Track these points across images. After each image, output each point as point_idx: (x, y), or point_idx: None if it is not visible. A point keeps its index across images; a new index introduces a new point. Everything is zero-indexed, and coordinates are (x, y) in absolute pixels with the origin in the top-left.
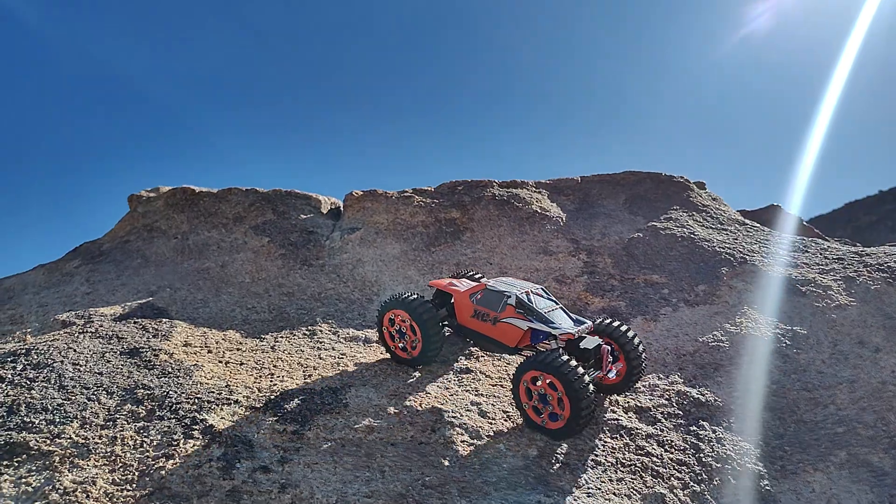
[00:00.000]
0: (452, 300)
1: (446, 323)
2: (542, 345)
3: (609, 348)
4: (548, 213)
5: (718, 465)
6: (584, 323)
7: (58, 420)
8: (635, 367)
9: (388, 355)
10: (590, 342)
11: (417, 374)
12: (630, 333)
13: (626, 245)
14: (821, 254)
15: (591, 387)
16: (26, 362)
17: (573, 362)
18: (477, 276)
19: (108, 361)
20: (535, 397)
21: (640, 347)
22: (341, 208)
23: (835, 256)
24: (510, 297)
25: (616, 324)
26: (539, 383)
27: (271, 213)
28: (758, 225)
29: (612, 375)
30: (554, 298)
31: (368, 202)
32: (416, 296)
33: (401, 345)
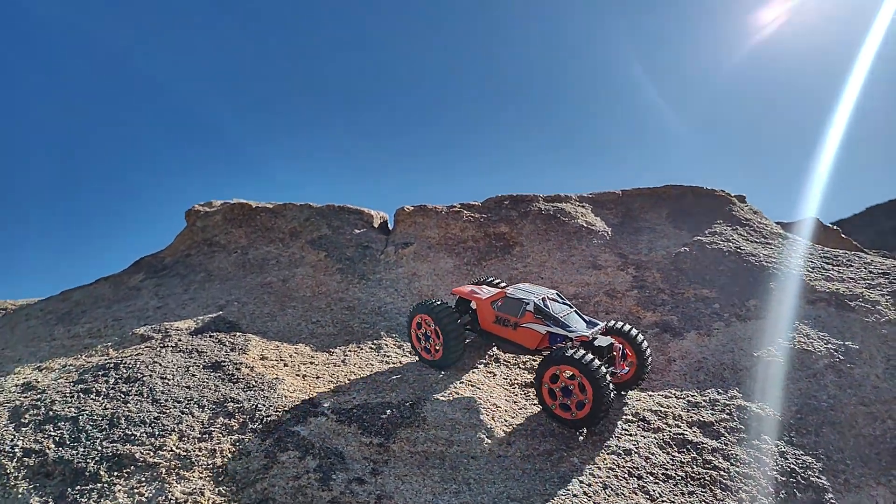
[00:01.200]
0: (474, 306)
1: (469, 328)
2: (558, 346)
3: (620, 348)
4: (594, 228)
5: (783, 479)
6: (597, 325)
7: (157, 433)
8: (642, 367)
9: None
10: (603, 341)
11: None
12: (637, 334)
13: (673, 259)
14: (865, 268)
15: (609, 377)
16: (117, 376)
17: (590, 356)
18: (497, 283)
19: (194, 375)
20: (559, 394)
21: (647, 349)
22: (388, 223)
23: (879, 271)
24: (528, 303)
25: (625, 326)
26: (559, 380)
27: (326, 227)
28: (799, 238)
29: (621, 374)
30: (569, 303)
31: (419, 217)
32: (441, 302)
33: (426, 347)
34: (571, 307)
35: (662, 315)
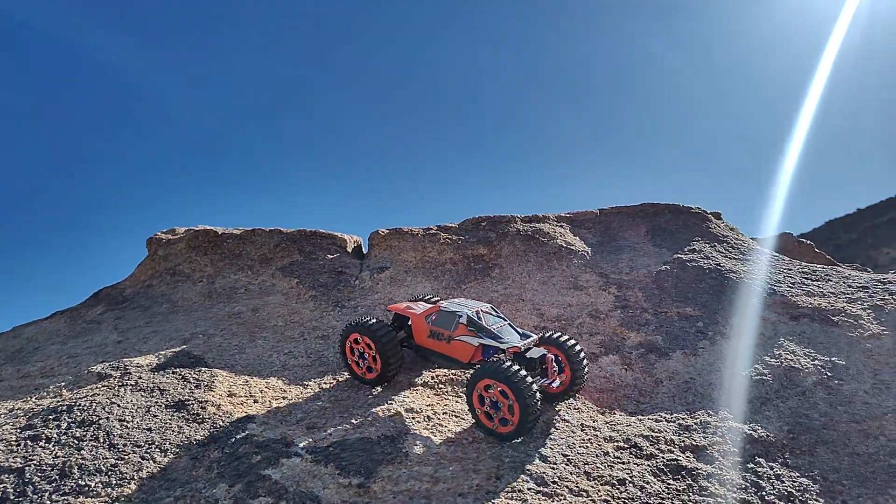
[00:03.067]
0: (410, 322)
1: (406, 344)
2: (492, 358)
3: (554, 358)
4: (573, 248)
5: (781, 503)
6: (530, 336)
7: (114, 482)
8: (578, 377)
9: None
10: (535, 352)
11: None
12: (572, 343)
13: (655, 278)
14: (843, 282)
15: (538, 393)
16: (70, 420)
17: (521, 371)
18: (433, 299)
19: (155, 416)
20: (488, 403)
21: (582, 356)
22: (362, 247)
23: (858, 285)
24: (461, 316)
25: (560, 336)
26: (491, 391)
27: (297, 253)
28: (777, 254)
29: (555, 384)
30: (503, 315)
31: (395, 240)
32: (374, 320)
33: (362, 366)
34: (505, 320)
35: (647, 335)
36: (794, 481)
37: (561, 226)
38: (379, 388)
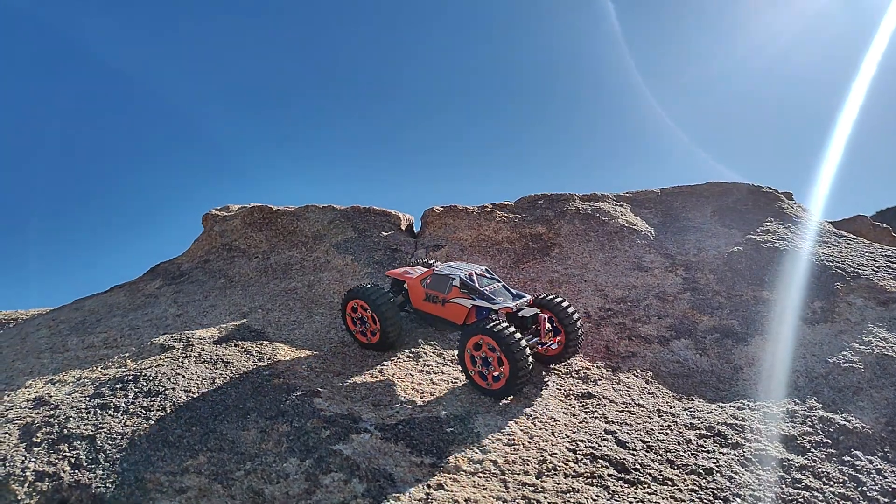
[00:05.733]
0: (407, 286)
1: (407, 309)
2: (484, 318)
3: (547, 318)
4: (635, 227)
5: (886, 500)
6: (524, 297)
7: (182, 453)
8: (572, 339)
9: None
10: (527, 312)
11: (386, 362)
12: (567, 306)
13: (726, 259)
14: None
15: (528, 349)
16: (136, 390)
17: (511, 329)
18: (431, 263)
19: (219, 388)
20: (479, 361)
21: (577, 318)
22: (413, 225)
23: None
24: (455, 278)
25: (554, 298)
26: (482, 348)
27: (352, 230)
28: (854, 237)
29: (552, 347)
30: (497, 277)
31: (449, 218)
32: (373, 285)
33: (363, 331)
34: (499, 281)
35: (721, 319)
36: None
37: (621, 205)
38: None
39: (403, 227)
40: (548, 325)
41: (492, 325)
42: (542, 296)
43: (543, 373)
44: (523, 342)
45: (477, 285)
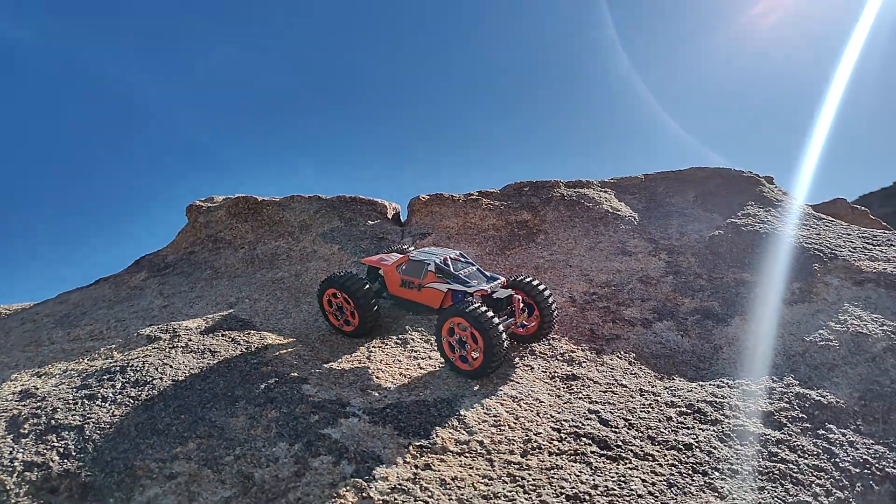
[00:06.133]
0: (382, 273)
1: (384, 295)
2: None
3: (521, 299)
4: (620, 213)
5: (857, 471)
6: (498, 279)
7: (172, 441)
8: (546, 319)
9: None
10: (501, 293)
11: (365, 346)
12: (541, 287)
13: (708, 243)
14: None
15: (503, 331)
16: (124, 380)
17: (486, 310)
18: (406, 249)
19: (207, 377)
20: (455, 342)
21: (551, 300)
22: (399, 214)
23: None
24: (429, 263)
25: (527, 279)
26: (458, 330)
27: (338, 219)
28: (833, 219)
29: (526, 326)
30: (472, 261)
31: (436, 206)
32: (347, 272)
33: (341, 319)
34: (473, 265)
35: (702, 301)
36: (869, 448)
37: (605, 191)
38: (364, 347)
39: (390, 216)
40: (521, 306)
41: (467, 307)
42: (515, 277)
43: (529, 356)
44: (498, 323)
45: (452, 270)
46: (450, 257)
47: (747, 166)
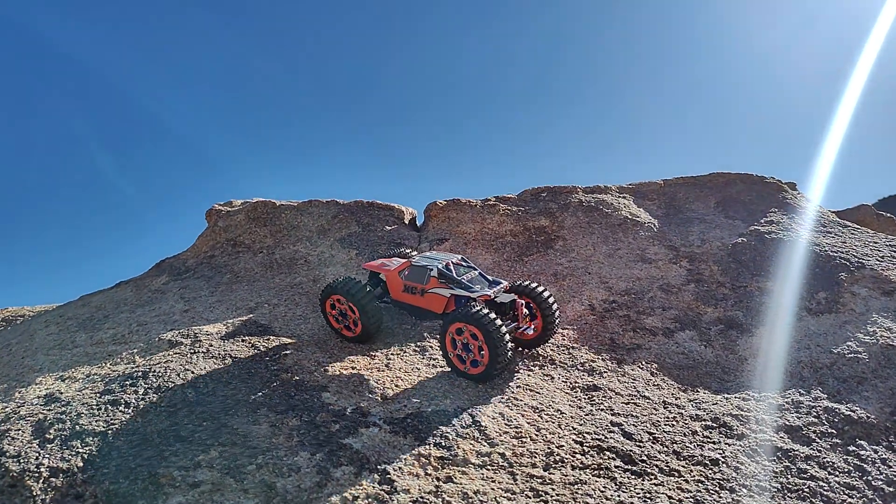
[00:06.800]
0: (384, 279)
1: (386, 300)
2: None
3: (524, 304)
4: (639, 219)
5: (891, 490)
6: (500, 284)
7: (194, 448)
8: (549, 323)
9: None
10: (504, 298)
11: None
12: (543, 292)
13: (730, 251)
14: None
15: (507, 335)
16: (146, 385)
17: (491, 314)
18: (408, 254)
19: (229, 383)
20: (460, 346)
21: (554, 304)
22: (416, 219)
23: None
24: (432, 269)
25: (530, 284)
26: (463, 334)
27: (355, 225)
28: (858, 226)
29: (529, 331)
30: (474, 265)
31: (453, 212)
32: (350, 278)
33: (345, 325)
34: (476, 269)
35: (725, 310)
36: None
37: (624, 197)
38: (380, 353)
39: (407, 221)
40: (525, 311)
41: (472, 311)
42: (518, 282)
43: (549, 365)
44: (503, 328)
45: (454, 275)
46: (452, 262)
47: (764, 171)
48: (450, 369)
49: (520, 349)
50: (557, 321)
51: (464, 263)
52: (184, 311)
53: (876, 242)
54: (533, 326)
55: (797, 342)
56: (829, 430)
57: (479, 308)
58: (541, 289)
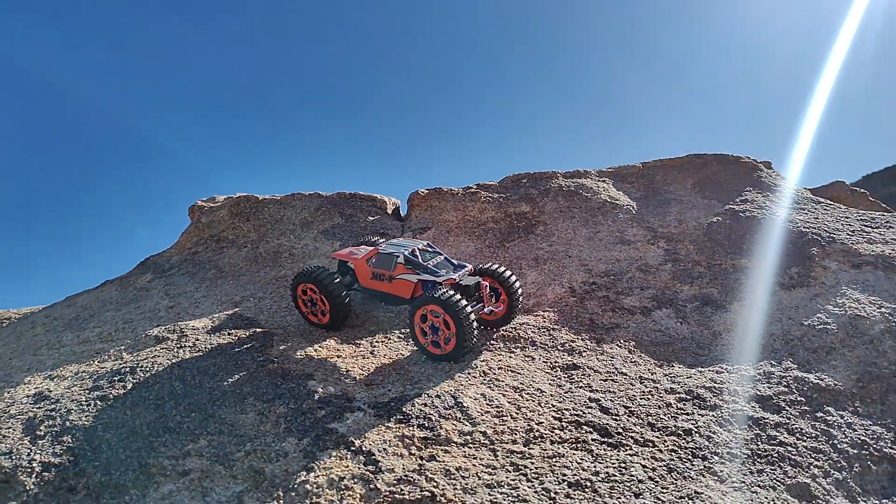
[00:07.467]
0: (352, 266)
1: (355, 287)
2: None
3: (488, 285)
4: (618, 202)
5: (855, 452)
6: (465, 267)
7: (183, 438)
8: (514, 303)
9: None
10: (469, 280)
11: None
12: (507, 273)
13: (706, 230)
14: None
15: (472, 315)
16: (135, 381)
17: (457, 296)
18: (375, 241)
19: (216, 375)
20: (428, 328)
21: (517, 285)
22: (399, 209)
23: None
24: (398, 256)
25: (494, 266)
26: (430, 317)
27: (338, 216)
28: (831, 202)
29: (494, 310)
30: (440, 251)
31: (434, 200)
32: (320, 267)
33: (313, 312)
34: (441, 254)
35: (701, 288)
36: (867, 429)
37: (603, 181)
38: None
39: (390, 211)
40: (489, 292)
41: (438, 294)
42: (482, 265)
43: (530, 346)
44: (467, 307)
45: (420, 260)
46: (418, 248)
47: (742, 151)
48: (418, 350)
49: (487, 328)
50: (521, 301)
51: (429, 249)
52: (169, 308)
53: (847, 217)
54: (496, 307)
55: (770, 316)
56: (799, 399)
57: (444, 291)
58: (503, 270)
